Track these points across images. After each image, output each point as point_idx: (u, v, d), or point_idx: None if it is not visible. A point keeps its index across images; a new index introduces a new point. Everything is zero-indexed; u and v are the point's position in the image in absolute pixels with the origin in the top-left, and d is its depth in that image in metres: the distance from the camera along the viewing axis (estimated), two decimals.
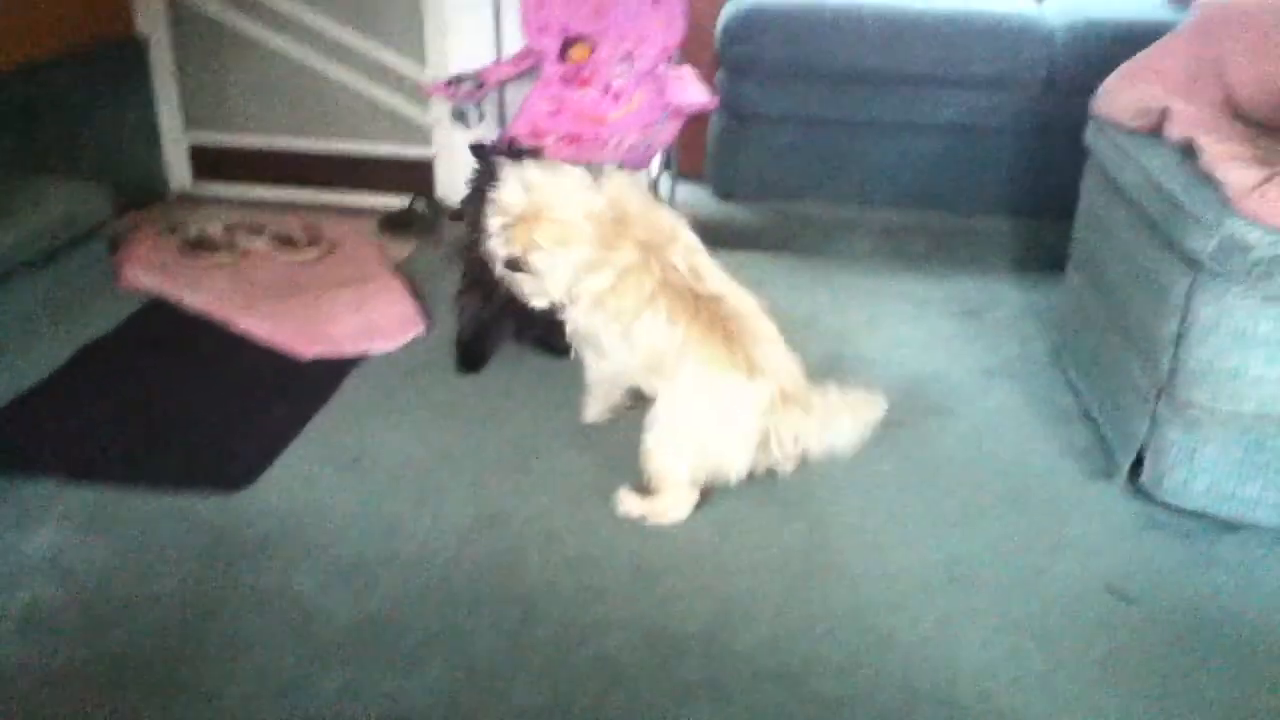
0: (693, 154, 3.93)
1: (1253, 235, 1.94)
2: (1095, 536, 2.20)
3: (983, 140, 3.63)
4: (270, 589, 2.00)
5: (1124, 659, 1.88)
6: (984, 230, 3.61)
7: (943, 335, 3.05)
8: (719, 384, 2.15)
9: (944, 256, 3.56)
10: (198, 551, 2.10)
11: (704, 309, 2.18)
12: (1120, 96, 2.57)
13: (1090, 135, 2.68)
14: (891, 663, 1.86)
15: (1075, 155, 2.78)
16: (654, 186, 3.45)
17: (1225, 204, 1.99)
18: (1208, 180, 2.07)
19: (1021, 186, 3.64)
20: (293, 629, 1.90)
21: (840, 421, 2.18)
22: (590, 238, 2.20)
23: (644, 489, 2.23)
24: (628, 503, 2.23)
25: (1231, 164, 2.06)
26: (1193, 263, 2.06)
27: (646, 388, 2.31)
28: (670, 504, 2.21)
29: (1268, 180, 1.95)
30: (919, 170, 3.70)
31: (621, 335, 2.25)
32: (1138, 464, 2.29)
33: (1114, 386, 2.43)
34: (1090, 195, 2.70)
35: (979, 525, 2.23)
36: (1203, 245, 2.01)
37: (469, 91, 3.17)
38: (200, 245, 3.44)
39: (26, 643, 1.87)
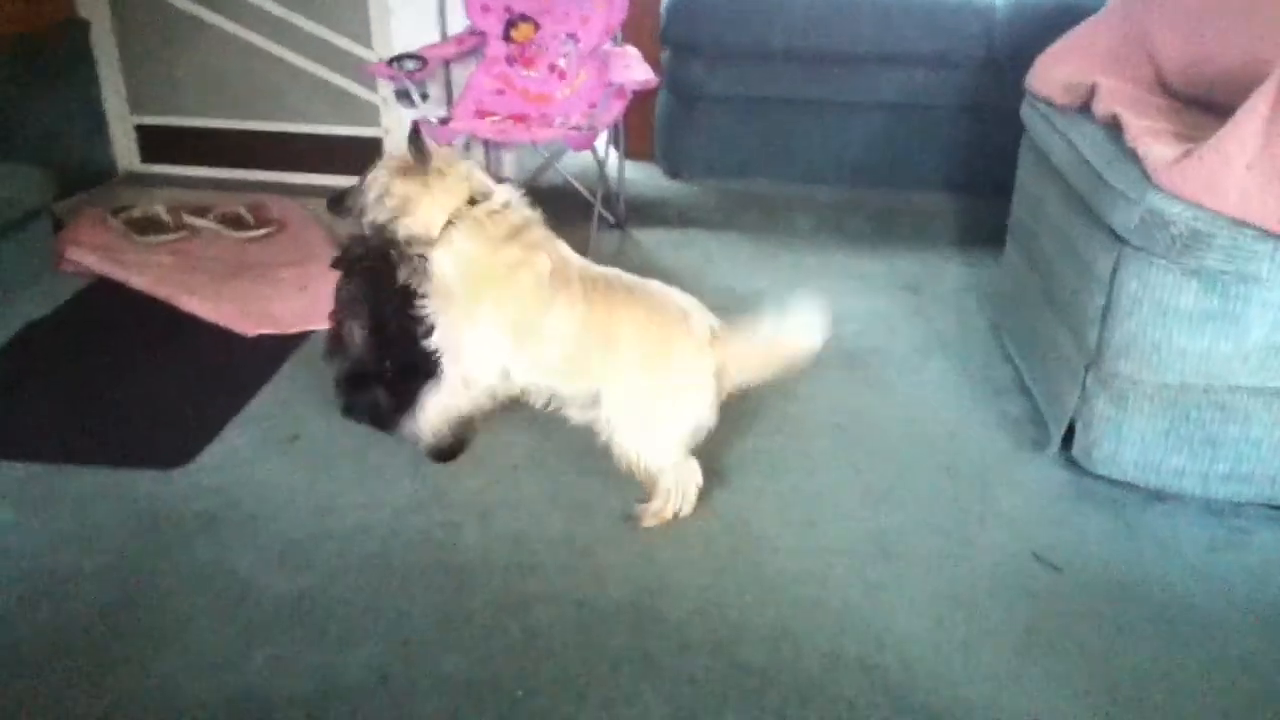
0: (641, 134, 3.95)
1: (1173, 210, 1.97)
2: (1025, 507, 2.25)
3: (924, 118, 3.66)
4: (205, 565, 2.01)
5: (1046, 626, 1.92)
6: (926, 207, 3.65)
7: (883, 311, 3.09)
8: (664, 351, 2.08)
9: (886, 233, 3.60)
10: (134, 528, 2.11)
11: (602, 289, 2.11)
12: (1052, 73, 2.60)
13: (1024, 111, 2.71)
14: (818, 632, 1.89)
15: (1015, 132, 2.81)
16: (603, 165, 3.45)
17: (1146, 179, 2.02)
18: (1131, 156, 2.10)
19: (963, 163, 3.68)
20: (226, 605, 1.92)
21: (774, 349, 2.10)
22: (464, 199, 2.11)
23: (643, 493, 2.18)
24: (643, 517, 2.15)
25: (1153, 139, 2.09)
26: (1117, 237, 2.10)
27: (568, 392, 2.16)
28: (679, 487, 2.14)
29: (1186, 155, 1.98)
30: (862, 148, 3.74)
31: (527, 335, 2.11)
32: (1070, 436, 2.33)
33: (1047, 359, 2.48)
34: (1025, 171, 2.74)
35: (911, 498, 2.27)
36: (1126, 220, 2.05)
37: (411, 72, 3.16)
38: (146, 226, 3.42)
39: None
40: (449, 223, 2.09)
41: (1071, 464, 2.34)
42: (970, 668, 1.82)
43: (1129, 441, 2.19)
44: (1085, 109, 2.42)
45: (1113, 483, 2.28)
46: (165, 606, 1.91)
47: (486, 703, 1.73)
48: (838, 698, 1.76)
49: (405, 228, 2.12)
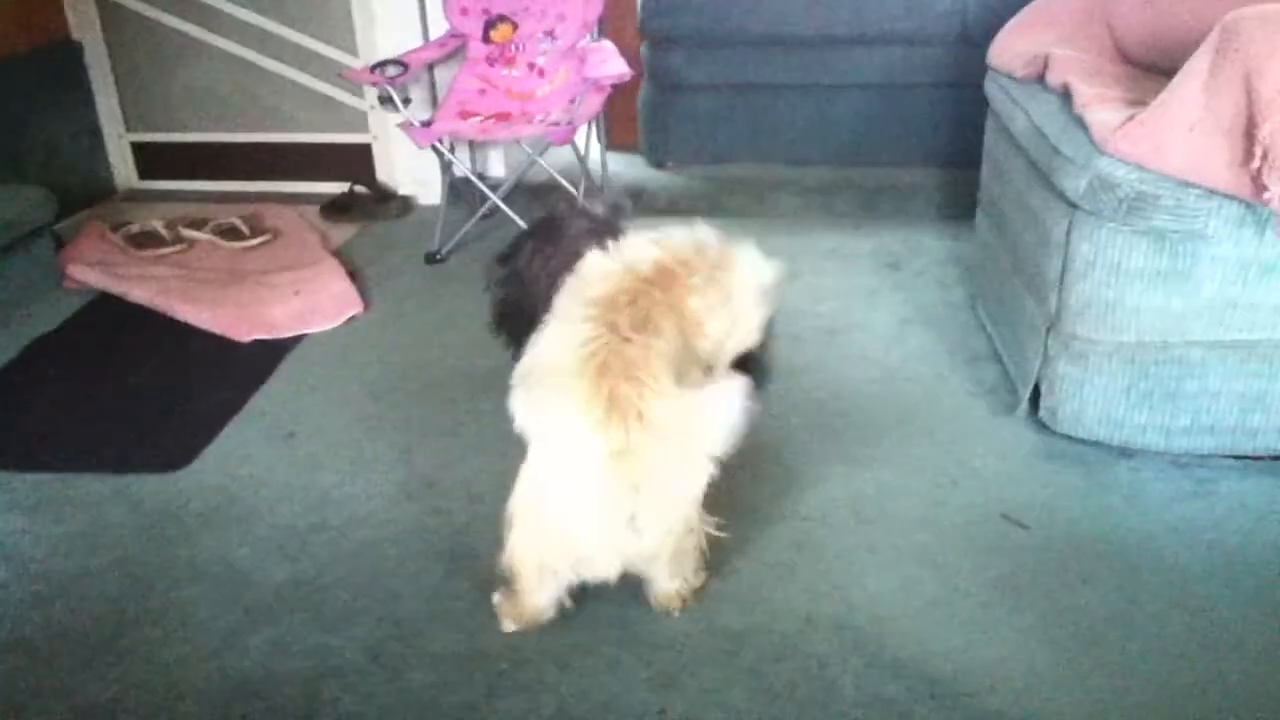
0: (625, 125, 4.03)
1: (1119, 173, 2.04)
2: (996, 469, 2.32)
3: (903, 96, 3.73)
4: (206, 559, 2.11)
5: (1014, 581, 1.99)
6: (909, 184, 3.72)
7: (865, 287, 3.16)
8: (555, 430, 1.70)
9: (870, 211, 3.67)
10: (138, 528, 2.21)
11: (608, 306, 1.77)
12: (1011, 46, 2.67)
13: (987, 86, 2.78)
14: (793, 594, 1.97)
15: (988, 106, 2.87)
16: (583, 159, 3.53)
17: (1094, 144, 2.09)
18: (1079, 123, 2.17)
19: (943, 139, 3.74)
20: (226, 595, 2.01)
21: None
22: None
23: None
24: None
25: (1101, 106, 2.16)
26: (1069, 202, 2.17)
27: None
28: (515, 604, 1.88)
29: (1130, 120, 2.05)
30: (845, 128, 3.80)
31: None
32: (1037, 398, 2.40)
33: (1015, 325, 2.54)
34: (990, 144, 2.81)
35: (885, 464, 2.34)
36: (1075, 185, 2.12)
37: (393, 76, 3.25)
38: (145, 240, 3.52)
39: None
40: None
41: (1041, 426, 2.41)
42: (938, 623, 1.90)
43: (1091, 400, 2.26)
44: (1042, 80, 2.48)
45: (1081, 442, 2.35)
46: (169, 598, 2.01)
47: (475, 675, 1.81)
48: (810, 655, 1.83)
49: None
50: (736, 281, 1.95)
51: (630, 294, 1.80)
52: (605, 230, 2.08)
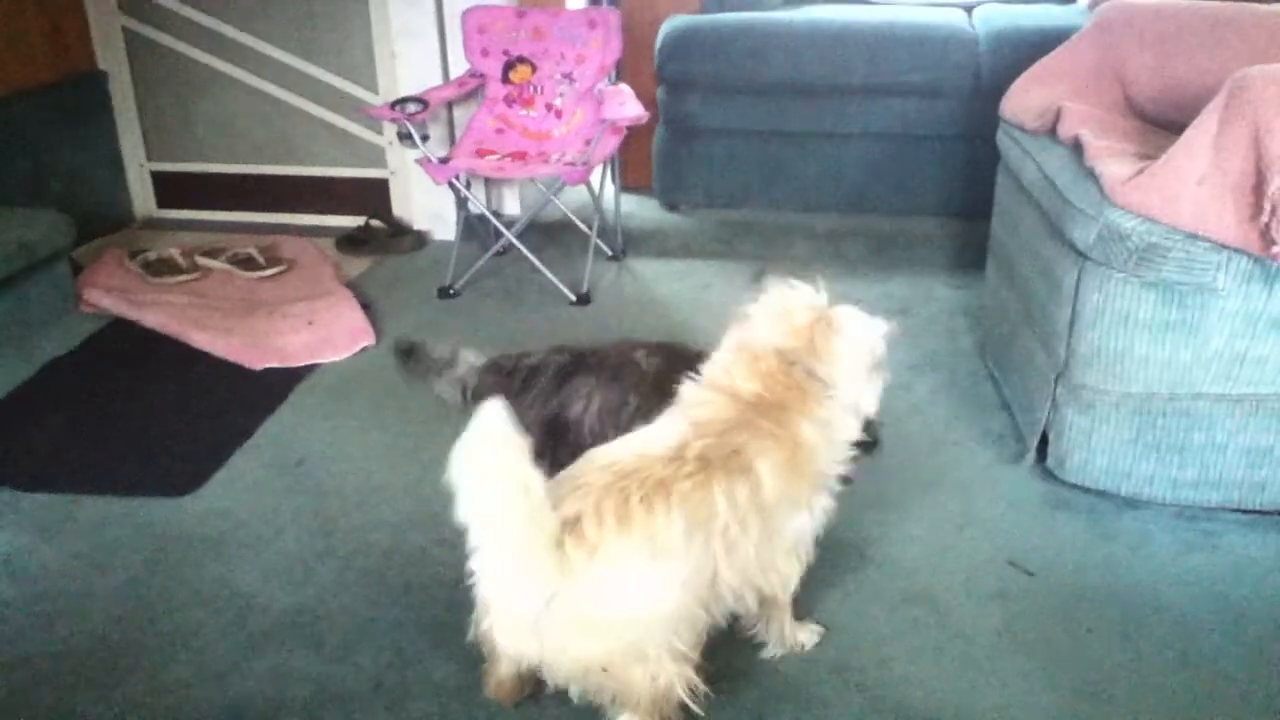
0: (640, 167, 4.07)
1: (1128, 224, 2.06)
2: (1002, 516, 2.32)
3: (916, 146, 3.77)
4: (212, 583, 2.12)
5: (1018, 628, 1.99)
6: (920, 232, 3.75)
7: None
8: None
9: (880, 258, 3.69)
10: (145, 551, 2.22)
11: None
12: (1024, 99, 2.70)
13: (999, 137, 2.81)
14: None
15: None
16: (597, 199, 3.57)
17: (1104, 196, 2.11)
18: (1090, 174, 2.19)
19: (954, 189, 3.78)
20: (230, 620, 2.02)
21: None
22: None
23: None
24: None
25: (1110, 158, 2.18)
26: (1079, 252, 2.19)
27: None
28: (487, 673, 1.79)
29: (1140, 172, 2.07)
30: (856, 176, 3.84)
31: None
32: (1045, 447, 2.41)
33: (1023, 374, 2.56)
34: (1001, 194, 2.83)
35: (891, 508, 2.34)
36: (1085, 235, 2.14)
37: (412, 113, 3.30)
38: (161, 268, 3.56)
39: None
40: None
41: (1047, 474, 2.41)
42: (941, 667, 1.89)
43: (1098, 450, 2.27)
44: (1053, 133, 2.51)
45: (1087, 491, 2.35)
46: (174, 621, 2.02)
47: (475, 706, 1.81)
48: (813, 697, 1.83)
49: None
50: (840, 369, 1.79)
51: (724, 423, 1.68)
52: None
